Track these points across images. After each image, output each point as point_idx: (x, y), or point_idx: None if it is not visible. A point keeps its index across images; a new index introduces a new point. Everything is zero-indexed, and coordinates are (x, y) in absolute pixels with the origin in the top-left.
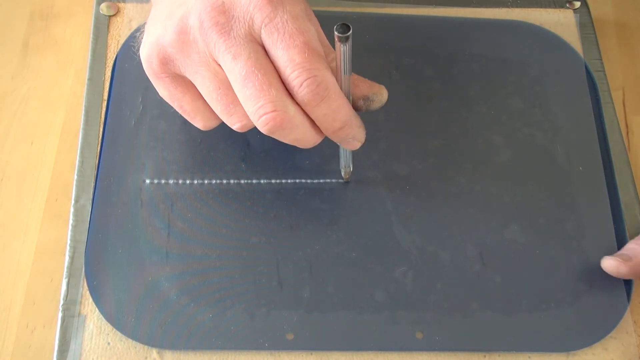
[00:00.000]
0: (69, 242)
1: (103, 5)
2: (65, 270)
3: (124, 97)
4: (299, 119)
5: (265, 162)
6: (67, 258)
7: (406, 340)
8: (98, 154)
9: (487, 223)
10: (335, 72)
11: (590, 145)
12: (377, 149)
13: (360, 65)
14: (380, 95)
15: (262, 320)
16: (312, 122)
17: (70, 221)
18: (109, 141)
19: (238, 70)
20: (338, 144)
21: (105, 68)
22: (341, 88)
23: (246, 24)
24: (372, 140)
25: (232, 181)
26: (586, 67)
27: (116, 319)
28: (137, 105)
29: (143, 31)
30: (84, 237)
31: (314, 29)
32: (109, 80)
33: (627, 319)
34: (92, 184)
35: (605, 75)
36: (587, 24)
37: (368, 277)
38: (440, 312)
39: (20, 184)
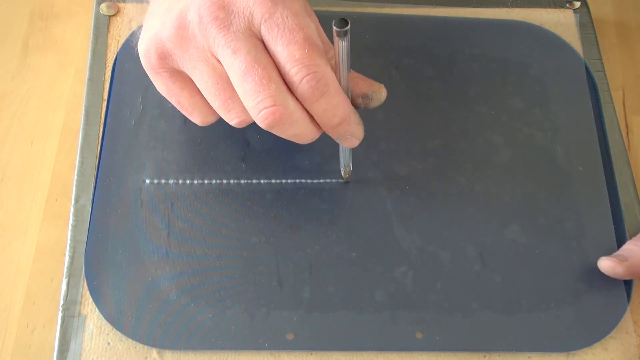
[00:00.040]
0: (69, 242)
1: (103, 5)
2: (65, 270)
3: (124, 97)
4: (299, 114)
5: (265, 162)
6: (67, 258)
7: (406, 340)
8: (98, 154)
9: (487, 223)
10: (334, 69)
11: (590, 145)
12: (377, 149)
13: (360, 65)
14: (379, 93)
15: (262, 320)
16: (311, 117)
17: (70, 221)
18: (109, 141)
19: (238, 64)
20: (337, 141)
21: (105, 68)
22: (340, 84)
23: (246, 19)
24: (372, 140)
25: (232, 181)
26: (586, 67)
27: (116, 319)
28: (137, 105)
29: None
30: (84, 237)
31: (313, 25)
32: (109, 80)
33: (627, 319)
34: (92, 184)
35: (605, 75)
36: (587, 24)
37: (368, 277)
38: (440, 312)
39: (20, 184)
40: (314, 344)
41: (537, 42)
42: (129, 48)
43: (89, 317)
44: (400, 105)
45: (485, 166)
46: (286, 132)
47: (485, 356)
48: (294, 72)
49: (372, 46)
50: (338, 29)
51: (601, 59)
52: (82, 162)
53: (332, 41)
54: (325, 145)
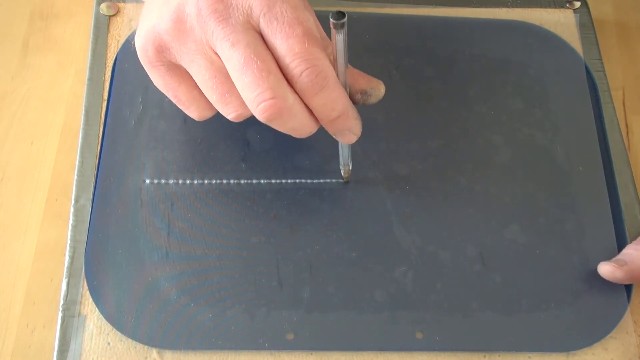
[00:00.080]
0: (69, 242)
1: (103, 5)
2: (65, 270)
3: (124, 97)
4: (297, 107)
5: (265, 162)
6: (67, 258)
7: (406, 340)
8: (98, 154)
9: (487, 223)
10: (332, 63)
11: (590, 145)
12: (377, 149)
13: (360, 65)
14: (377, 90)
15: (262, 320)
16: (309, 110)
17: (70, 221)
18: (109, 141)
19: (237, 57)
20: (335, 137)
21: (105, 68)
22: (338, 77)
23: (245, 12)
24: (372, 140)
25: (232, 181)
26: (586, 67)
27: (116, 319)
28: (137, 105)
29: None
30: (84, 237)
31: (312, 19)
32: (109, 80)
33: (627, 319)
34: (92, 184)
35: (605, 75)
36: (587, 24)
37: (368, 277)
38: (440, 312)
39: (20, 184)
40: (314, 344)
41: (537, 42)
42: (129, 48)
43: (89, 317)
44: (400, 105)
45: (485, 166)
46: (285, 126)
47: (485, 356)
48: (294, 65)
49: (372, 46)
50: (335, 21)
51: (601, 59)
52: (82, 162)
53: (330, 37)
54: (325, 145)
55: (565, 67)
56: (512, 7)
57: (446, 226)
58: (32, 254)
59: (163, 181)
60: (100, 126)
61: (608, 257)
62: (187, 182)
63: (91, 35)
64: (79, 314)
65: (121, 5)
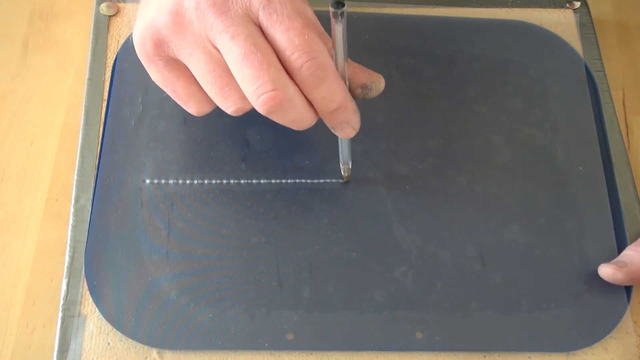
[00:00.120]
0: (69, 242)
1: (103, 5)
2: (65, 270)
3: (124, 97)
4: (297, 99)
5: (265, 162)
6: (67, 258)
7: (406, 340)
8: (98, 154)
9: (487, 223)
10: (331, 55)
11: (590, 145)
12: (377, 149)
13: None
14: (378, 83)
15: (262, 320)
16: (309, 102)
17: (70, 221)
18: (109, 141)
19: (237, 50)
20: (333, 131)
21: (105, 68)
22: (338, 69)
23: (244, 5)
24: (372, 140)
25: (232, 181)
26: (586, 67)
27: (116, 319)
28: (137, 105)
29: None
30: (84, 237)
31: (311, 12)
32: (109, 80)
33: (627, 319)
34: (92, 184)
35: (605, 75)
36: (587, 24)
37: (368, 277)
38: (440, 312)
39: (20, 184)
40: (314, 344)
41: (537, 42)
42: (129, 48)
43: (89, 317)
44: (400, 105)
45: (485, 166)
46: (285, 118)
47: (485, 356)
48: (294, 58)
49: (372, 46)
50: (334, 10)
51: (601, 59)
52: (82, 162)
53: (329, 32)
54: (325, 145)
55: (565, 67)
56: (512, 7)
57: (446, 226)
58: (32, 254)
59: (163, 181)
60: (100, 126)
61: (608, 257)
62: (187, 182)
63: (91, 35)
64: (79, 314)
65: (121, 5)
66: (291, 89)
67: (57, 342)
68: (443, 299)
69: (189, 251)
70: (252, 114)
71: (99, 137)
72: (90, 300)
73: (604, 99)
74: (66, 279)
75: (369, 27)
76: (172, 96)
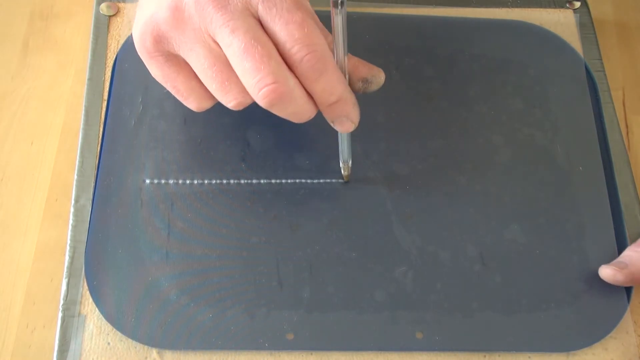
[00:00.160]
0: (69, 242)
1: (103, 5)
2: (65, 270)
3: (124, 97)
4: (298, 91)
5: (265, 162)
6: (67, 258)
7: (406, 340)
8: (98, 154)
9: (487, 223)
10: (331, 49)
11: (590, 145)
12: (377, 149)
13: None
14: (378, 77)
15: (262, 320)
16: (309, 95)
17: (70, 221)
18: (109, 141)
19: (237, 43)
20: (333, 126)
21: (105, 68)
22: (337, 61)
23: None
24: (372, 140)
25: (232, 181)
26: (586, 67)
27: (116, 319)
28: (137, 105)
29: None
30: (84, 237)
31: (309, 5)
32: (109, 80)
33: (627, 319)
34: (92, 184)
35: (605, 75)
36: (587, 24)
37: (368, 277)
38: (440, 312)
39: (20, 184)
40: (314, 344)
41: (537, 42)
42: (129, 48)
43: (89, 317)
44: (400, 105)
45: (485, 166)
46: (285, 111)
47: (485, 356)
48: (295, 51)
49: (372, 46)
50: None
51: (601, 59)
52: (82, 162)
53: (328, 29)
54: (325, 145)
55: (565, 67)
56: (512, 7)
57: (446, 226)
58: (32, 254)
59: (163, 181)
60: (100, 126)
61: (608, 257)
62: (187, 182)
63: (91, 35)
64: (79, 314)
65: (121, 5)
66: (292, 81)
67: (57, 342)
68: (443, 299)
69: (189, 251)
70: (252, 114)
71: (99, 137)
72: (90, 300)
73: (604, 99)
74: (66, 279)
75: (369, 27)
76: (172, 92)
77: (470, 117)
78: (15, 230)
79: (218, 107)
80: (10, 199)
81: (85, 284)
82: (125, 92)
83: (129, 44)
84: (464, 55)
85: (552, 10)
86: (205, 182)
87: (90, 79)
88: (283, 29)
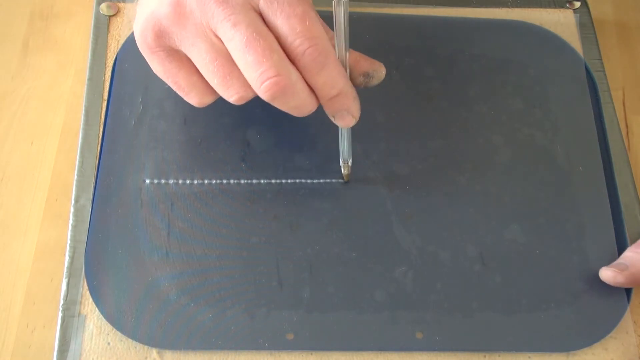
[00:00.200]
0: (69, 242)
1: (103, 5)
2: (65, 270)
3: (124, 97)
4: (300, 84)
5: (265, 162)
6: (67, 258)
7: (406, 340)
8: (98, 154)
9: (487, 223)
10: (332, 44)
11: (590, 145)
12: (377, 149)
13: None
14: (379, 71)
15: (262, 320)
16: (310, 88)
17: (70, 221)
18: (109, 141)
19: (239, 37)
20: (334, 121)
21: (105, 68)
22: (337, 54)
23: None
24: (372, 140)
25: (232, 181)
26: (586, 67)
27: (116, 319)
28: (137, 105)
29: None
30: (84, 237)
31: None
32: (109, 80)
33: (627, 319)
34: (92, 184)
35: (605, 75)
36: (587, 24)
37: (368, 277)
38: (440, 312)
39: (20, 184)
40: (314, 344)
41: (537, 42)
42: (129, 48)
43: (89, 317)
44: (400, 105)
45: (485, 166)
46: (287, 104)
47: (485, 356)
48: (297, 44)
49: (372, 46)
50: None
51: (601, 59)
52: (82, 162)
53: (330, 26)
54: (325, 145)
55: (565, 67)
56: (512, 7)
57: (446, 226)
58: (32, 254)
59: (163, 181)
60: (100, 126)
61: (608, 257)
62: (187, 182)
63: (91, 35)
64: (79, 314)
65: (121, 5)
66: (294, 74)
67: (57, 342)
68: (443, 299)
69: (189, 251)
70: (252, 114)
71: (99, 137)
72: (90, 300)
73: (604, 99)
74: (66, 279)
75: (369, 27)
76: (174, 87)
77: (470, 117)
78: (15, 230)
79: (218, 107)
80: (10, 199)
81: (85, 284)
82: (125, 92)
83: (129, 44)
84: (464, 55)
85: (552, 10)
86: (205, 182)
87: (90, 79)
88: (285, 22)
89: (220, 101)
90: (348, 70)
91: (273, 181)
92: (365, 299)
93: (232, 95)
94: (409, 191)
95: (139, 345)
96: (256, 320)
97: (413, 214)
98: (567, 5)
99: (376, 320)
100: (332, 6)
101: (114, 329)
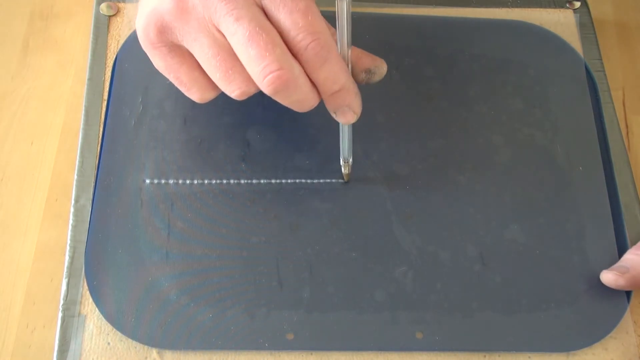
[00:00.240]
0: (69, 242)
1: (103, 5)
2: (65, 270)
3: (124, 97)
4: (302, 79)
5: (265, 162)
6: (67, 258)
7: (406, 340)
8: (98, 154)
9: (487, 223)
10: (334, 38)
11: (590, 145)
12: (377, 149)
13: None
14: (381, 68)
15: (262, 320)
16: (312, 83)
17: (70, 221)
18: (109, 141)
19: (242, 31)
20: (335, 117)
21: (105, 68)
22: (340, 50)
23: None
24: (372, 140)
25: (232, 181)
26: (586, 67)
27: (116, 319)
28: (137, 105)
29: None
30: (84, 237)
31: None
32: (109, 80)
33: (627, 319)
34: (92, 184)
35: (605, 75)
36: (587, 24)
37: (368, 277)
38: (440, 312)
39: (20, 184)
40: (314, 344)
41: (537, 42)
42: (129, 48)
43: (89, 317)
44: (400, 105)
45: (485, 166)
46: (289, 98)
47: (485, 356)
48: (299, 38)
49: (372, 46)
50: None
51: (601, 59)
52: (82, 162)
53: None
54: (325, 145)
55: (565, 67)
56: (512, 7)
57: (446, 226)
58: (32, 254)
59: (163, 181)
60: (100, 126)
61: (608, 257)
62: (187, 182)
63: (91, 35)
64: (79, 314)
65: (121, 5)
66: (297, 68)
67: (57, 342)
68: (443, 299)
69: (189, 251)
70: (252, 114)
71: (99, 137)
72: (90, 300)
73: (604, 99)
74: (66, 279)
75: (369, 27)
76: (175, 83)
77: (470, 117)
78: (15, 230)
79: (218, 106)
80: (10, 199)
81: (85, 284)
82: (125, 92)
83: (129, 44)
84: (464, 55)
85: (552, 10)
86: (205, 182)
87: (90, 79)
88: (287, 17)
89: (220, 101)
90: (350, 67)
91: (273, 181)
92: (365, 299)
93: (234, 90)
94: (409, 191)
95: (139, 345)
96: (256, 320)
97: (413, 214)
98: (567, 5)
99: (376, 320)
100: (334, 4)
101: (114, 329)
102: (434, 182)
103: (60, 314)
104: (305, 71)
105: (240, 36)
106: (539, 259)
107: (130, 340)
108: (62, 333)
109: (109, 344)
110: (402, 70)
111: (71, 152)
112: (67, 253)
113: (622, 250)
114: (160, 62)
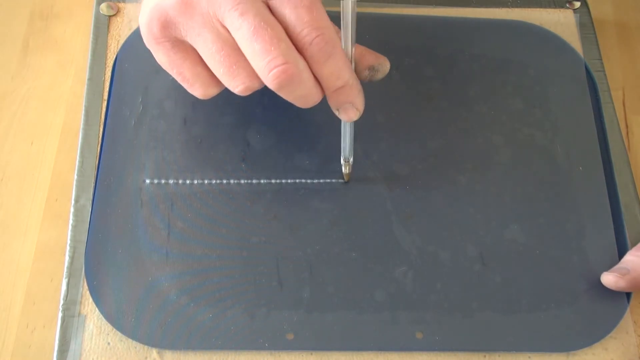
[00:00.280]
0: (69, 242)
1: (103, 5)
2: (65, 270)
3: (124, 97)
4: (306, 74)
5: (265, 162)
6: (67, 258)
7: (406, 340)
8: (98, 154)
9: (487, 223)
10: (338, 35)
11: (590, 145)
12: (377, 149)
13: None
14: (384, 65)
15: (262, 320)
16: (316, 79)
17: (70, 221)
18: (109, 141)
19: (246, 26)
20: (337, 114)
21: (105, 68)
22: (344, 47)
23: None
24: (372, 140)
25: (232, 181)
26: (586, 67)
27: (116, 319)
28: (137, 105)
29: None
30: (84, 237)
31: None
32: (109, 80)
33: (627, 319)
34: (92, 184)
35: (605, 75)
36: (587, 24)
37: (368, 277)
38: (440, 312)
39: (20, 184)
40: (314, 344)
41: (537, 42)
42: (129, 48)
43: (89, 317)
44: (400, 105)
45: (485, 166)
46: (293, 93)
47: (485, 356)
48: (304, 34)
49: (372, 46)
50: None
51: (601, 59)
52: (82, 162)
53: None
54: (325, 145)
55: (565, 67)
56: (512, 7)
57: (446, 226)
58: (32, 254)
59: (163, 181)
60: (100, 126)
61: (608, 257)
62: (187, 182)
63: (91, 35)
64: (79, 314)
65: (121, 5)
66: (301, 63)
67: (57, 342)
68: (443, 299)
69: (189, 251)
70: (252, 114)
71: (99, 137)
72: (90, 300)
73: (604, 99)
74: (66, 279)
75: (369, 27)
76: (178, 79)
77: (470, 117)
78: (15, 230)
79: (218, 106)
80: (10, 199)
81: (85, 284)
82: (125, 92)
83: (129, 44)
84: (464, 55)
85: (552, 10)
86: (205, 182)
87: (90, 79)
88: (292, 12)
89: (220, 101)
90: (353, 64)
91: (273, 181)
92: (365, 299)
93: (238, 86)
94: (409, 191)
95: (139, 345)
96: (256, 320)
97: (413, 214)
98: (567, 5)
99: (376, 320)
100: (338, 4)
101: (114, 329)
102: (434, 182)
103: (60, 314)
104: (309, 66)
105: (245, 31)
106: (539, 259)
107: (130, 340)
108: (62, 333)
109: (109, 344)
110: (402, 70)
111: (71, 152)
112: (67, 253)
113: (622, 250)
114: (163, 57)
